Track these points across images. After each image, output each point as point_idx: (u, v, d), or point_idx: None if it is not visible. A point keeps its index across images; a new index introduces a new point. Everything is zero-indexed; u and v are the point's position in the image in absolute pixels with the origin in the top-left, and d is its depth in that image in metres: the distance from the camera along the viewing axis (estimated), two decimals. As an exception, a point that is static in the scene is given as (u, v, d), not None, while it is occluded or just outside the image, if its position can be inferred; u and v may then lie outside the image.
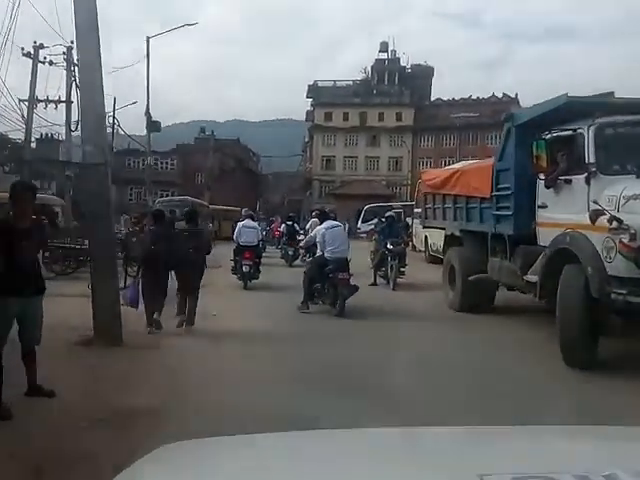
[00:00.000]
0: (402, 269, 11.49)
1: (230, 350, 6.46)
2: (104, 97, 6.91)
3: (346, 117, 51.30)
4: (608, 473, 0.92)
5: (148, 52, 19.02)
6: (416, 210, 20.63)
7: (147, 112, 17.36)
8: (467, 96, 54.08)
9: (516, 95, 53.05)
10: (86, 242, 12.03)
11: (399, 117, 51.11)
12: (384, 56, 56.28)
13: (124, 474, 1.13)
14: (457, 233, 9.60)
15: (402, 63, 56.76)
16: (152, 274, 7.18)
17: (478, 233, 8.70)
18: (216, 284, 10.60)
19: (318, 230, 8.95)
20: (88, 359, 5.78)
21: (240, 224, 12.08)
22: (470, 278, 8.48)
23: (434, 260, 17.18)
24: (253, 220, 12.69)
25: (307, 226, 15.63)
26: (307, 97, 55.69)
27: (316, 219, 15.21)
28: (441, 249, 16.39)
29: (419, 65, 58.71)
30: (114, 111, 30.84)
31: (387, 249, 11.36)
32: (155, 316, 7.10)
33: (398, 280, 11.33)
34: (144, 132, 28.19)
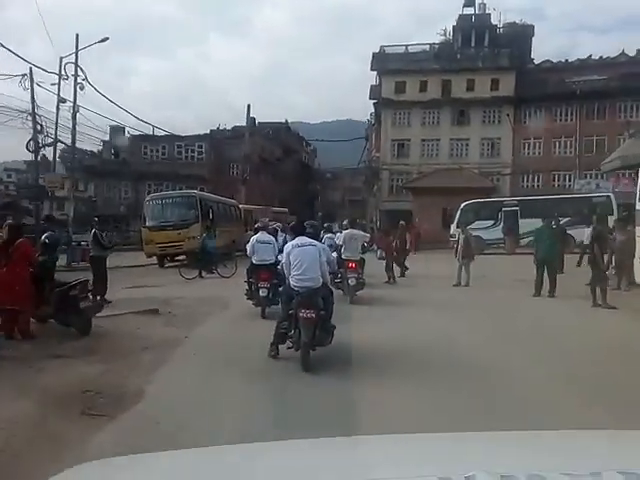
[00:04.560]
0: None
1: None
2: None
3: (423, 87, 39.27)
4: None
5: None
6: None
7: None
8: (586, 56, 40.89)
9: (655, 52, 39.32)
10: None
11: (495, 85, 38.53)
12: (470, 11, 43.87)
13: None
14: None
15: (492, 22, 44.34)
16: None
17: None
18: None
19: (286, 248, 6.84)
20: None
21: (253, 238, 10.02)
22: None
23: None
24: (270, 233, 10.38)
25: (338, 240, 12.50)
26: (372, 69, 44.42)
27: (351, 230, 12.12)
28: None
29: (513, 24, 45.88)
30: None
31: None
32: None
33: None
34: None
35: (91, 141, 31.84)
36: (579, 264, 16.76)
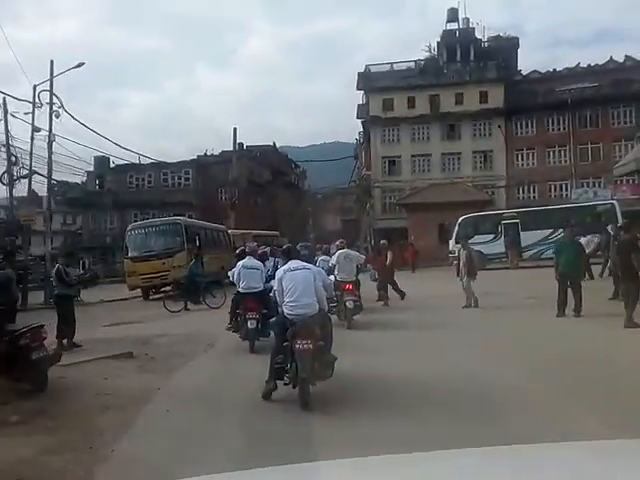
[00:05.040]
0: None
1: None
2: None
3: (412, 103, 38.70)
4: None
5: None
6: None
7: None
8: (574, 65, 40.61)
9: (642, 58, 39.05)
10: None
11: (484, 97, 38.01)
12: (454, 26, 43.69)
13: None
14: None
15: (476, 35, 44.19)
16: None
17: None
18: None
19: (277, 273, 6.30)
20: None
21: (239, 264, 9.15)
22: None
23: None
24: (260, 258, 9.70)
25: (332, 261, 11.31)
26: (358, 89, 43.93)
27: (346, 250, 11.45)
28: None
29: (498, 37, 45.78)
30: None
31: None
32: None
33: None
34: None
35: (74, 173, 30.81)
36: (591, 275, 15.73)
